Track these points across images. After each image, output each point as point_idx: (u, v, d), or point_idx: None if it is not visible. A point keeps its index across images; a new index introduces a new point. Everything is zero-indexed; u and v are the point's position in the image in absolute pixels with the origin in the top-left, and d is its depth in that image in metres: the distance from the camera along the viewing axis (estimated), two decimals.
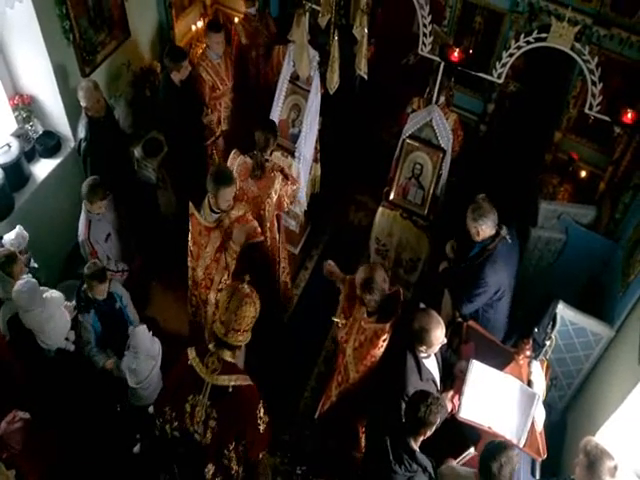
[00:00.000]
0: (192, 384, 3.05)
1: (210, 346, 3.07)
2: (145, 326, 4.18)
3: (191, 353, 3.10)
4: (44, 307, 3.86)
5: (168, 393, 3.23)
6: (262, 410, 3.12)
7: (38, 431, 3.58)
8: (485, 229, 3.82)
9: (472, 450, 3.46)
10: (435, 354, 3.59)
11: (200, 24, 5.87)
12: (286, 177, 4.48)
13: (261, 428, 3.13)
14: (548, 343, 3.76)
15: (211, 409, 3.05)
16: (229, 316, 2.95)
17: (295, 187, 4.55)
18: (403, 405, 3.34)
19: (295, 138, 5.00)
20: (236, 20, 5.83)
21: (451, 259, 4.31)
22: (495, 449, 2.94)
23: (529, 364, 3.66)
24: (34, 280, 3.86)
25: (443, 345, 3.52)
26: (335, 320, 3.83)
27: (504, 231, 3.87)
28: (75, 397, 4.03)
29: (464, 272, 4.00)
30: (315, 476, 4.32)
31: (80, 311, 4.11)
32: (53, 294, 4.01)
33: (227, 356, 3.04)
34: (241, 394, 3.03)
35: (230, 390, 2.99)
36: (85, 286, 4.08)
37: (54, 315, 3.94)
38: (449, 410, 3.51)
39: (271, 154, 4.44)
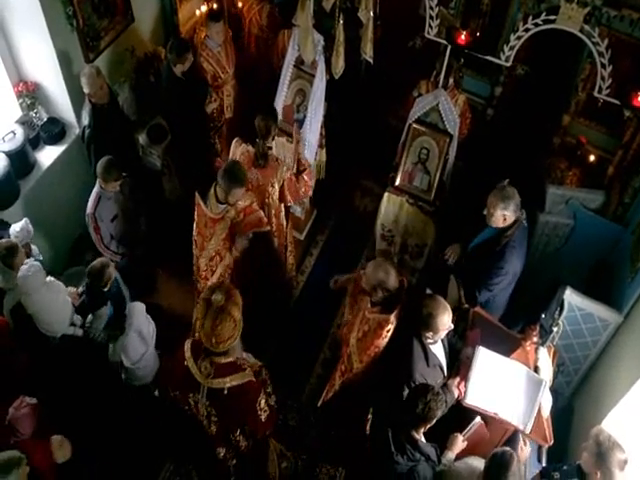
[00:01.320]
0: (191, 383, 3.06)
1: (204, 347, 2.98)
2: (143, 304, 4.20)
3: (187, 351, 3.05)
4: (47, 290, 3.89)
5: (175, 381, 3.23)
6: (262, 401, 3.10)
7: (45, 417, 3.61)
8: (511, 216, 3.79)
9: (477, 419, 3.41)
10: (442, 340, 3.59)
11: (204, 9, 5.80)
12: (303, 169, 4.45)
13: (262, 417, 3.13)
14: (555, 329, 3.74)
15: (210, 408, 3.08)
16: (207, 332, 2.86)
17: (304, 190, 4.49)
18: (405, 393, 3.34)
19: (300, 123, 4.97)
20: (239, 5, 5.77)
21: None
22: (501, 463, 2.89)
23: (536, 350, 3.64)
24: (37, 263, 3.89)
25: (449, 331, 3.52)
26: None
27: (523, 215, 3.84)
28: (82, 383, 4.06)
29: (481, 260, 3.96)
30: (320, 463, 4.35)
31: (97, 307, 4.14)
32: (54, 280, 4.04)
33: (219, 360, 2.98)
34: (237, 394, 3.01)
35: (225, 392, 2.98)
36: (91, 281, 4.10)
37: (56, 300, 3.97)
38: (455, 396, 3.50)
39: (273, 139, 4.42)
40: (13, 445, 3.39)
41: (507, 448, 3.02)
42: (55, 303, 3.97)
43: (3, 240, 4.01)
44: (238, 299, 2.91)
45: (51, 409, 3.71)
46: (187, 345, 3.09)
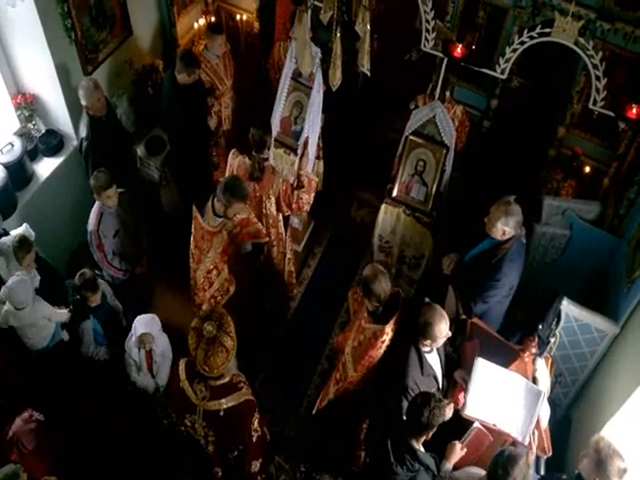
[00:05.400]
0: (187, 405, 3.04)
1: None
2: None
3: (182, 373, 3.04)
4: (31, 310, 3.87)
5: (171, 402, 3.23)
6: (256, 422, 3.10)
7: (48, 432, 3.58)
8: (510, 232, 3.82)
9: (476, 424, 3.39)
10: (438, 350, 3.58)
11: (202, 22, 5.86)
12: (301, 185, 4.46)
13: (254, 438, 3.11)
14: (552, 340, 3.75)
15: (208, 429, 3.07)
16: (199, 362, 2.87)
17: (306, 197, 4.50)
18: (404, 404, 3.34)
19: (297, 135, 4.99)
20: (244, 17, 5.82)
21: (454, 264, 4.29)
22: (507, 462, 2.89)
23: (534, 361, 3.64)
24: (27, 279, 3.86)
25: (446, 342, 3.52)
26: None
27: (523, 232, 3.87)
28: (71, 397, 4.06)
29: (477, 271, 3.97)
30: (318, 474, 4.32)
31: (80, 320, 4.14)
32: (41, 303, 4.00)
33: (214, 383, 2.97)
34: (233, 415, 3.01)
35: (221, 414, 2.98)
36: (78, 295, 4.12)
37: (37, 323, 3.96)
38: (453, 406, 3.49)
39: (268, 149, 4.43)
40: (15, 460, 3.36)
41: (514, 448, 3.01)
42: (36, 325, 3.96)
43: (19, 232, 4.02)
44: (230, 327, 2.88)
45: (54, 422, 3.69)
46: (182, 366, 3.07)
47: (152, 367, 4.24)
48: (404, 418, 3.25)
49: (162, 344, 4.24)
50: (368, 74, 4.45)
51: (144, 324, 4.09)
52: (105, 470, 4.01)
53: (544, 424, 3.47)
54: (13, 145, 4.61)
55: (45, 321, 4.02)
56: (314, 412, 4.09)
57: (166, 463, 3.82)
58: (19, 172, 4.64)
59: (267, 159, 4.41)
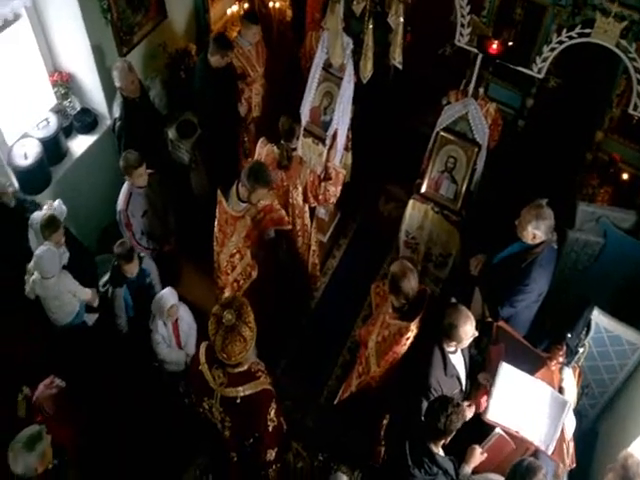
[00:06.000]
0: (205, 388, 3.05)
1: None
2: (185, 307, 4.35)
3: (202, 356, 3.04)
4: (57, 281, 3.96)
5: (192, 384, 3.23)
6: (272, 412, 3.08)
7: (69, 399, 3.68)
8: (541, 236, 3.73)
9: (497, 430, 3.33)
10: (463, 351, 3.53)
11: (235, 8, 5.84)
12: (328, 177, 4.43)
13: (269, 427, 3.10)
14: (581, 350, 3.66)
15: (224, 414, 3.07)
16: (217, 349, 2.85)
17: (333, 189, 4.46)
18: (424, 404, 3.29)
19: (327, 125, 4.95)
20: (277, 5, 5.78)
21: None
22: (525, 473, 2.83)
23: (561, 370, 3.56)
24: (55, 249, 3.94)
25: (472, 344, 3.46)
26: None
27: (554, 237, 3.78)
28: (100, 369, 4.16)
29: (505, 274, 3.90)
30: (336, 464, 4.30)
31: (113, 285, 4.23)
32: (68, 276, 4.07)
33: (232, 370, 2.96)
34: (250, 403, 3.00)
35: (238, 401, 2.97)
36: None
37: (61, 297, 4.03)
38: (474, 410, 3.44)
39: (297, 139, 4.39)
40: (39, 422, 3.43)
41: (534, 459, 2.96)
42: (60, 298, 4.04)
43: (48, 211, 4.09)
44: (249, 317, 2.85)
45: (76, 389, 3.78)
46: (202, 349, 3.07)
47: (180, 339, 4.32)
48: (422, 419, 3.20)
49: (184, 313, 4.34)
50: (400, 67, 4.39)
51: (169, 297, 4.18)
52: (125, 444, 4.08)
53: (569, 435, 3.40)
54: (49, 121, 4.67)
55: (69, 296, 4.10)
56: (336, 402, 4.08)
57: (184, 442, 3.85)
58: (54, 148, 4.70)
59: (295, 149, 4.38)
